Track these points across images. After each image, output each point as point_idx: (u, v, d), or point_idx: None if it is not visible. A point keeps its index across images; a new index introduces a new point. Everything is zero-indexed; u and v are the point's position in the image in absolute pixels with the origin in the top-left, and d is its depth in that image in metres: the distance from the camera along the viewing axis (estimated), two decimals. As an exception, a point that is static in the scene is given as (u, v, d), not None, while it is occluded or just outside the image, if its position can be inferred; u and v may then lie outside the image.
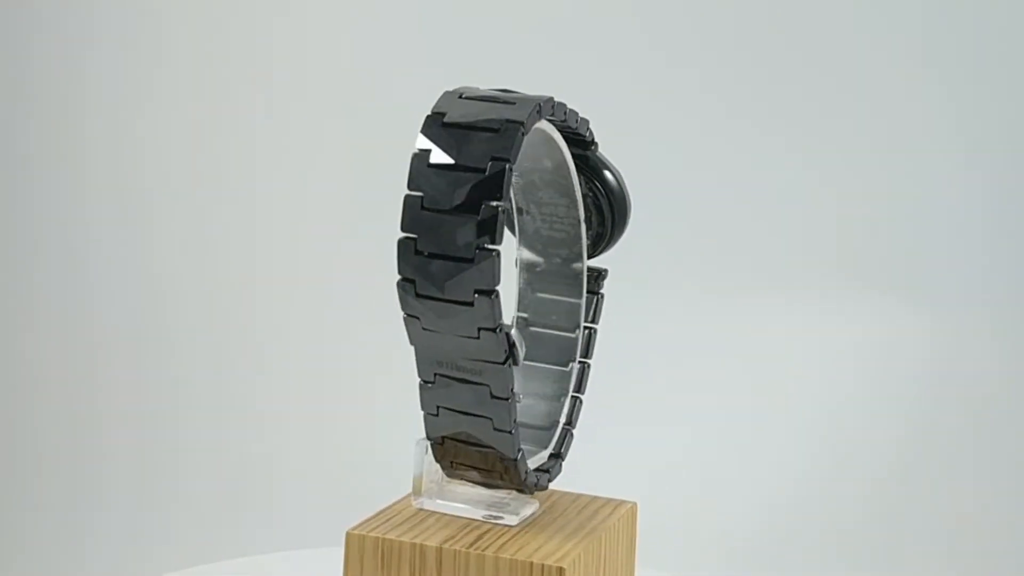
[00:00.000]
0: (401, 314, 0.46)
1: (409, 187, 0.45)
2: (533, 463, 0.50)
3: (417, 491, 0.51)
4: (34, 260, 1.11)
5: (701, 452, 1.02)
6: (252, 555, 0.82)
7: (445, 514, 0.50)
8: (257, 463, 1.07)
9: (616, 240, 0.54)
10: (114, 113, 1.10)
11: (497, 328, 0.44)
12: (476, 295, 0.44)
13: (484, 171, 0.44)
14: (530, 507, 0.51)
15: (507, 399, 0.46)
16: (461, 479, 0.50)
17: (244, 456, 1.07)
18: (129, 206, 1.10)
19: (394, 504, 0.52)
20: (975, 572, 0.99)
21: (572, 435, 0.53)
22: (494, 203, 0.44)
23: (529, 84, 0.52)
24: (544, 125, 0.48)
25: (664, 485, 0.97)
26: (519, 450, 0.48)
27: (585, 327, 0.53)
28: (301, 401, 1.07)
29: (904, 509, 1.00)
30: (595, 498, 0.54)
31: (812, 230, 1.03)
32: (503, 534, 0.49)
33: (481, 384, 0.46)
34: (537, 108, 0.46)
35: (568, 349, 0.53)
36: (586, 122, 0.51)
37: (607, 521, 0.52)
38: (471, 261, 0.44)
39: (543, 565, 0.47)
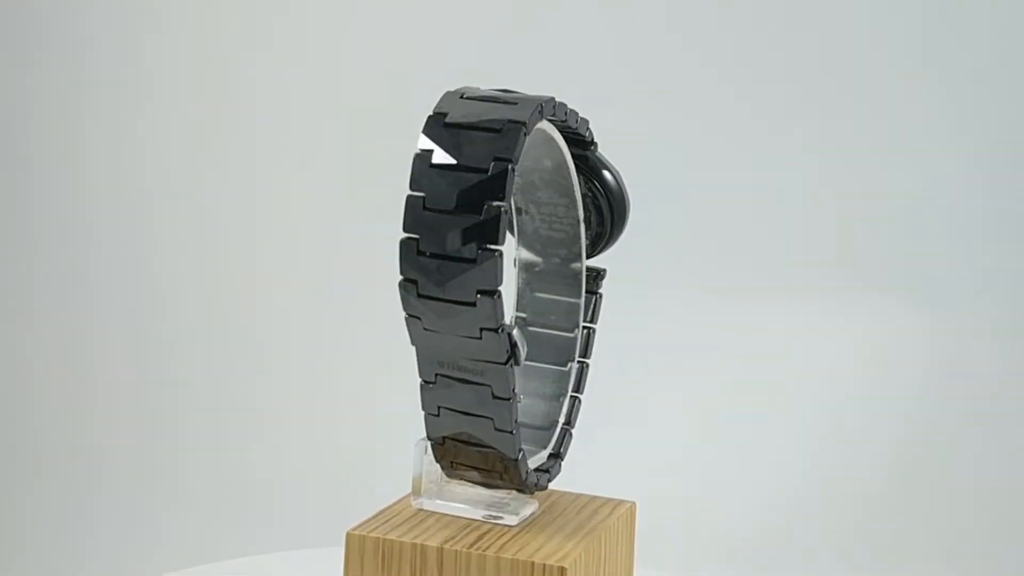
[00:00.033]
0: (402, 314, 0.46)
1: (411, 187, 0.45)
2: (532, 463, 0.50)
3: (417, 491, 0.51)
4: (34, 260, 1.11)
5: (701, 452, 1.02)
6: (252, 555, 0.82)
7: (445, 514, 0.50)
8: (257, 463, 1.07)
9: (615, 240, 0.54)
10: (114, 113, 1.10)
11: (499, 328, 0.44)
12: (478, 295, 0.44)
13: (486, 171, 0.44)
14: (530, 507, 0.51)
15: (508, 399, 0.46)
16: (461, 479, 0.50)
17: (244, 456, 1.07)
18: (129, 206, 1.10)
19: (394, 504, 0.52)
20: (975, 572, 0.99)
21: (571, 435, 0.53)
22: (496, 203, 0.44)
23: (529, 84, 0.52)
24: (545, 125, 0.48)
25: (664, 485, 0.97)
26: (520, 450, 0.48)
27: (584, 327, 0.53)
28: (301, 401, 1.07)
29: (904, 509, 1.00)
30: (594, 498, 0.54)
31: (812, 230, 1.03)
32: (503, 534, 0.49)
33: (482, 384, 0.46)
34: (539, 108, 0.46)
35: (567, 349, 0.53)
36: (586, 122, 0.51)
37: (607, 521, 0.52)
38: (473, 261, 0.44)
39: (544, 565, 0.47)
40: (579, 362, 0.53)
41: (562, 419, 0.52)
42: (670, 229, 1.02)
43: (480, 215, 0.44)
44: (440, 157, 0.44)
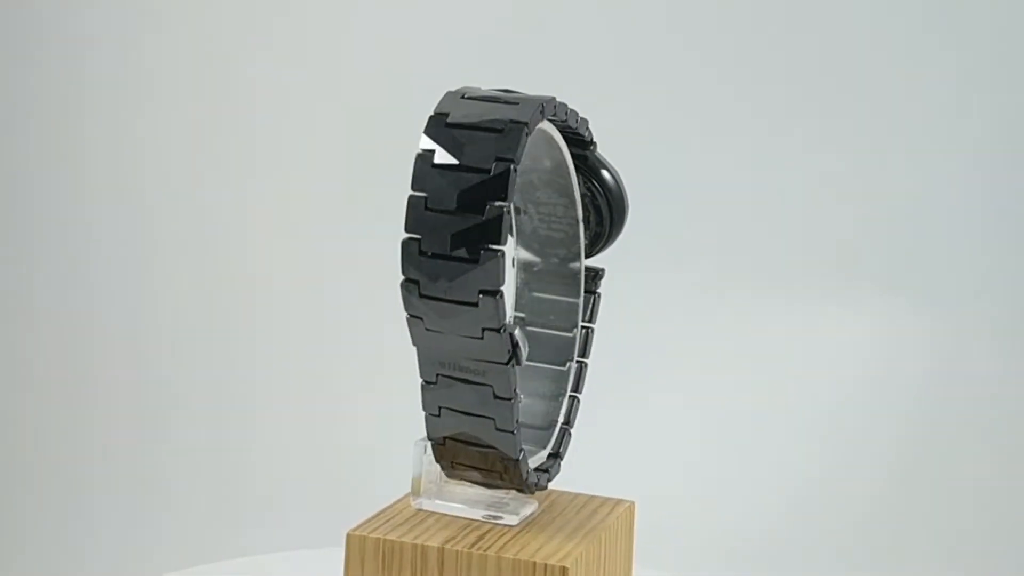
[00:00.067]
0: (402, 314, 0.46)
1: (413, 187, 0.45)
2: (532, 463, 0.50)
3: (416, 491, 0.51)
4: (34, 260, 1.11)
5: (701, 452, 1.02)
6: (252, 555, 0.82)
7: (444, 514, 0.50)
8: (257, 463, 1.07)
9: (614, 240, 0.54)
10: (114, 113, 1.09)
11: (501, 328, 0.44)
12: (481, 295, 0.44)
13: (489, 172, 0.44)
14: (529, 507, 0.51)
15: (510, 399, 0.46)
16: (461, 479, 0.50)
17: (244, 456, 1.07)
18: (129, 206, 1.10)
19: (393, 504, 0.52)
20: (975, 572, 0.99)
21: (570, 434, 0.53)
22: (499, 204, 0.44)
23: (529, 84, 0.52)
24: (545, 125, 0.48)
25: (664, 485, 0.97)
26: (521, 450, 0.48)
27: (583, 326, 0.53)
28: (301, 401, 1.07)
29: (904, 509, 1.00)
30: (592, 497, 0.54)
31: (812, 230, 1.03)
32: (504, 534, 0.49)
33: (484, 384, 0.46)
34: (540, 108, 0.46)
35: (565, 348, 0.53)
36: (585, 122, 0.51)
37: (606, 520, 0.52)
38: (476, 261, 0.44)
39: (546, 565, 0.47)
40: (578, 362, 0.53)
41: (561, 419, 0.53)
42: (670, 229, 1.02)
43: (482, 215, 0.44)
44: (442, 157, 0.45)
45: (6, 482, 1.09)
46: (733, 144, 1.03)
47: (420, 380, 0.47)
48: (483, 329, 0.44)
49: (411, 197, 0.44)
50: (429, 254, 0.44)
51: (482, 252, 0.44)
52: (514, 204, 0.52)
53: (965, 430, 1.01)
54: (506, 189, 0.44)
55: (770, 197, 1.03)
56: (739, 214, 1.03)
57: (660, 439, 1.01)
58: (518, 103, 0.46)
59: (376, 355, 1.03)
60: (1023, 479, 1.01)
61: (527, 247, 0.53)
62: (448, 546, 0.48)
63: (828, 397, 1.02)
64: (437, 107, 0.46)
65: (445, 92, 0.47)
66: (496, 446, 0.47)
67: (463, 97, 0.46)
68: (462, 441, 0.48)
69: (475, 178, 0.44)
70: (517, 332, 0.45)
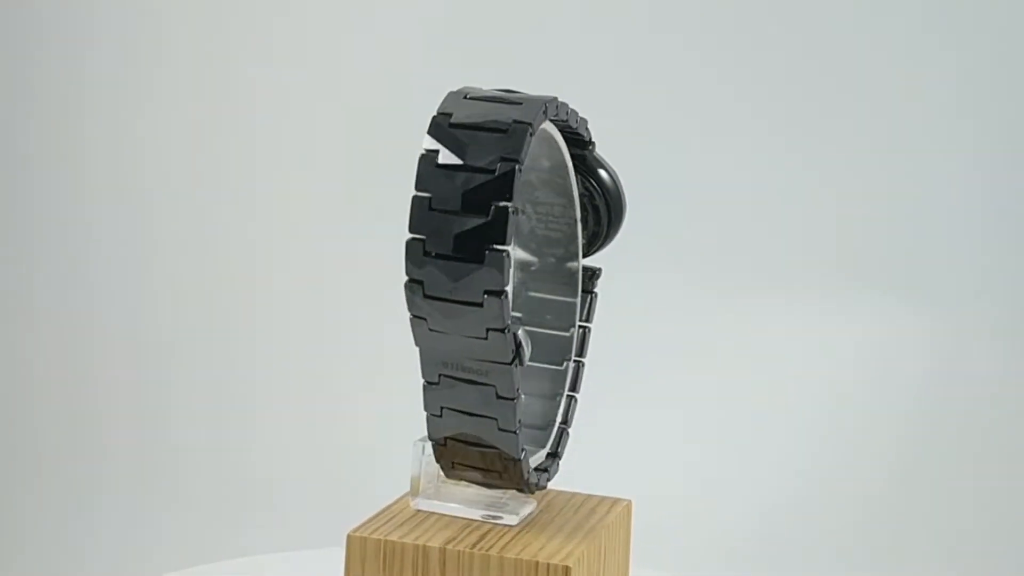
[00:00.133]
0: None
1: (417, 188, 0.45)
2: (531, 463, 0.50)
3: (415, 492, 0.51)
4: (34, 260, 1.11)
5: (701, 452, 1.02)
6: (252, 555, 0.82)
7: (444, 515, 0.50)
8: (257, 463, 1.07)
9: (611, 239, 0.54)
10: (114, 113, 1.09)
11: (505, 328, 0.44)
12: (486, 296, 0.44)
13: (493, 172, 0.44)
14: (528, 506, 0.51)
15: (513, 399, 0.46)
16: (460, 479, 0.50)
17: (244, 456, 1.07)
18: (129, 206, 1.10)
19: (392, 505, 0.52)
20: (975, 572, 0.99)
21: (568, 434, 0.53)
22: (503, 204, 0.44)
23: (528, 83, 0.52)
24: (546, 125, 0.48)
25: (664, 484, 0.97)
26: (523, 450, 0.48)
27: (580, 326, 0.54)
28: (301, 401, 1.07)
29: (904, 509, 1.00)
30: (589, 496, 0.54)
31: (812, 230, 1.03)
32: (504, 534, 0.49)
33: (487, 384, 0.46)
34: (543, 109, 0.46)
35: (563, 348, 0.53)
36: (585, 122, 0.51)
37: (605, 519, 0.52)
38: (481, 262, 0.44)
39: (549, 564, 0.47)
40: (575, 361, 0.53)
41: (559, 418, 0.53)
42: (670, 229, 1.02)
43: (487, 215, 0.44)
44: (446, 157, 0.44)
45: (6, 482, 1.09)
46: (733, 144, 1.03)
47: (422, 380, 0.47)
48: (487, 329, 0.44)
49: (415, 197, 0.44)
50: (433, 254, 0.44)
51: (487, 252, 0.44)
52: (514, 204, 0.52)
53: (965, 430, 1.01)
54: (511, 189, 0.44)
55: (770, 197, 1.03)
56: (739, 214, 1.03)
57: (660, 439, 1.01)
58: (521, 103, 0.46)
59: (376, 355, 1.03)
60: (1023, 479, 1.01)
61: (524, 247, 0.53)
62: (450, 546, 0.48)
63: (828, 397, 1.02)
64: (440, 107, 0.46)
65: (447, 92, 0.47)
66: (498, 446, 0.47)
67: (466, 97, 0.46)
68: (463, 441, 0.48)
69: (480, 178, 0.44)
70: (520, 332, 0.45)
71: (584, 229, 0.53)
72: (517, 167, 0.44)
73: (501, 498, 0.50)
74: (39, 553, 1.06)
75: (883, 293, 1.03)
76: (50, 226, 1.10)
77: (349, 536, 0.49)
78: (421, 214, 0.44)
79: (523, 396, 0.48)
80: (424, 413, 0.48)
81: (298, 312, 1.08)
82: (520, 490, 0.50)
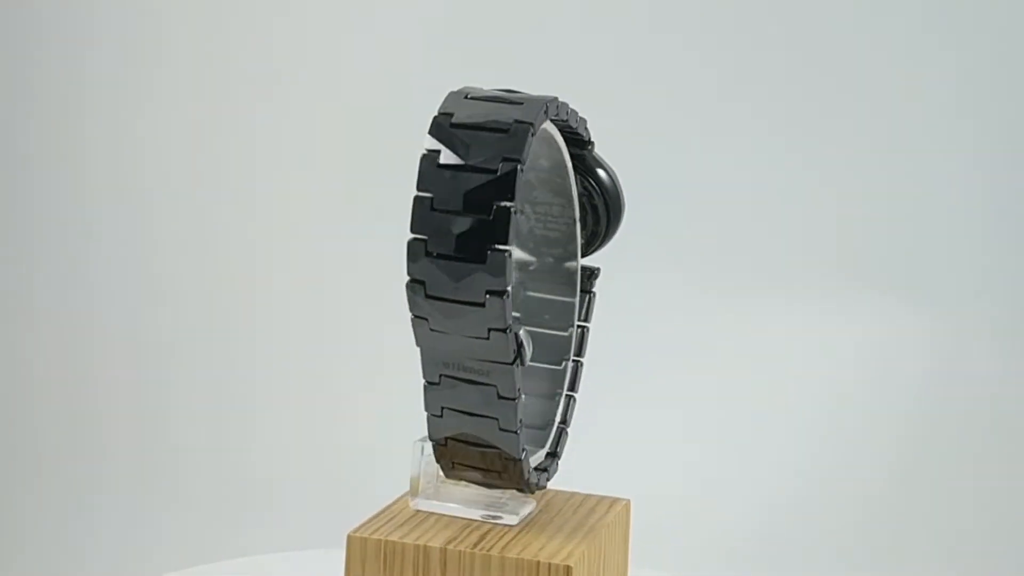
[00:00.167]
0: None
1: (418, 188, 0.45)
2: (531, 462, 0.50)
3: (414, 492, 0.51)
4: (34, 260, 1.10)
5: (701, 451, 1.02)
6: (252, 555, 0.82)
7: (443, 515, 0.50)
8: (257, 463, 1.07)
9: (610, 239, 0.54)
10: (114, 113, 1.09)
11: (507, 328, 0.44)
12: (487, 296, 0.44)
13: (495, 172, 0.44)
14: (528, 506, 0.51)
15: (514, 399, 0.46)
16: (460, 479, 0.50)
17: (244, 456, 1.07)
18: (129, 206, 1.10)
19: (391, 505, 0.52)
20: (975, 572, 0.99)
21: (567, 433, 0.53)
22: (505, 203, 0.44)
23: (528, 83, 0.52)
24: (546, 125, 0.48)
25: (663, 484, 0.97)
26: (523, 450, 0.48)
27: (578, 326, 0.54)
28: (301, 401, 1.07)
29: (904, 509, 1.00)
30: (588, 496, 0.55)
31: (812, 230, 1.03)
32: (505, 534, 0.49)
33: (488, 384, 0.46)
34: (544, 108, 0.46)
35: (561, 348, 0.53)
36: (584, 122, 0.51)
37: (605, 518, 0.52)
38: (483, 262, 0.44)
39: (550, 564, 0.47)
40: (573, 361, 0.53)
41: (558, 418, 0.53)
42: (670, 229, 1.02)
43: (489, 215, 0.44)
44: (448, 157, 0.45)
45: (6, 482, 1.09)
46: (733, 144, 1.03)
47: (423, 381, 0.47)
48: (489, 329, 0.44)
49: (416, 198, 0.44)
50: (435, 255, 0.44)
51: (489, 252, 0.44)
52: (514, 204, 0.52)
53: (965, 430, 1.01)
54: (513, 189, 0.44)
55: (770, 197, 1.03)
56: (739, 214, 1.03)
57: (660, 438, 1.01)
58: (522, 103, 0.46)
59: (376, 355, 1.03)
60: (1023, 479, 1.01)
61: (523, 246, 0.53)
62: (450, 546, 0.48)
63: (828, 397, 1.02)
64: (441, 107, 0.46)
65: (448, 92, 0.47)
66: (499, 446, 0.47)
67: (466, 97, 0.46)
68: (464, 441, 0.48)
69: (482, 178, 0.44)
70: (522, 332, 0.45)
71: (583, 229, 0.53)
72: (519, 167, 0.44)
73: (500, 498, 0.50)
74: (39, 553, 1.06)
75: (883, 293, 1.03)
76: (50, 226, 1.10)
77: (349, 537, 0.49)
78: (423, 214, 0.44)
79: (523, 396, 0.48)
80: (424, 413, 0.48)
81: (298, 312, 1.08)
82: (520, 490, 0.50)
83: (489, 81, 0.52)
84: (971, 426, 1.01)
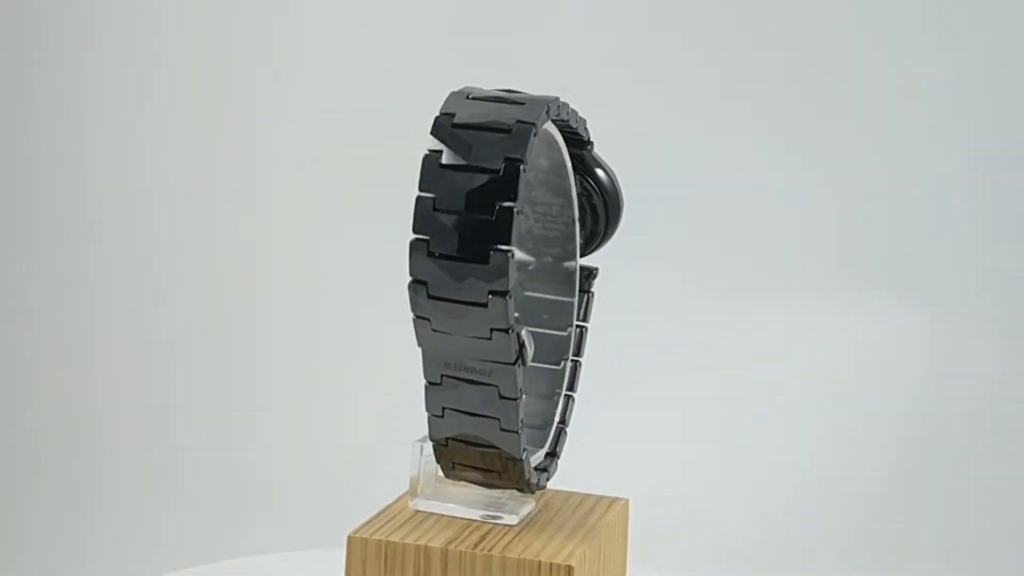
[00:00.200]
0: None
1: (421, 188, 0.45)
2: (531, 462, 0.50)
3: (414, 492, 0.51)
4: (34, 260, 1.10)
5: (701, 451, 1.02)
6: (252, 555, 0.82)
7: (443, 515, 0.50)
8: (257, 463, 1.07)
9: (609, 239, 0.54)
10: (114, 113, 1.09)
11: (509, 328, 0.44)
12: (490, 296, 0.44)
13: (498, 172, 0.44)
14: (527, 506, 0.51)
15: (516, 399, 0.46)
16: (459, 479, 0.50)
17: (244, 456, 1.07)
18: (129, 206, 1.10)
19: (391, 505, 0.52)
20: (975, 572, 0.99)
21: (566, 433, 0.53)
22: (508, 204, 0.44)
23: (528, 83, 0.52)
24: (547, 125, 0.48)
25: (663, 484, 0.97)
26: (524, 449, 0.48)
27: (577, 325, 0.54)
28: (301, 401, 1.07)
29: (904, 509, 1.00)
30: (587, 495, 0.55)
31: (812, 230, 1.03)
32: (505, 534, 0.49)
33: (490, 385, 0.46)
34: (546, 109, 0.46)
35: (560, 347, 0.53)
36: (584, 122, 0.51)
37: (604, 518, 0.52)
38: (485, 262, 0.44)
39: (552, 564, 0.47)
40: (572, 360, 0.53)
41: (557, 418, 0.53)
42: (670, 228, 1.02)
43: (492, 216, 0.44)
44: (450, 158, 0.44)
45: (6, 482, 1.09)
46: (733, 144, 1.03)
47: (423, 381, 0.47)
48: (491, 329, 0.44)
49: (419, 198, 0.44)
50: (437, 255, 0.44)
51: (491, 253, 0.44)
52: (514, 204, 0.52)
53: (965, 430, 1.01)
54: (515, 189, 0.44)
55: (770, 197, 1.03)
56: (739, 214, 1.03)
57: (660, 438, 1.01)
58: (524, 103, 0.46)
59: (376, 355, 1.03)
60: (1023, 479, 1.01)
61: (522, 246, 0.53)
62: (451, 547, 0.48)
63: (828, 397, 1.02)
64: (443, 107, 0.46)
65: (449, 92, 0.47)
66: (500, 446, 0.47)
67: (468, 97, 0.46)
68: (464, 442, 0.48)
69: (484, 178, 0.44)
70: (523, 332, 0.45)
71: (582, 229, 0.53)
72: (522, 167, 0.44)
73: (500, 498, 0.50)
74: (39, 553, 1.06)
75: (883, 293, 1.03)
76: (50, 226, 1.10)
77: (350, 537, 0.49)
78: (425, 214, 0.44)
79: (524, 396, 0.48)
80: (424, 413, 0.48)
81: (298, 312, 1.08)
82: (520, 490, 0.50)
83: (489, 81, 0.52)
84: (971, 426, 1.01)
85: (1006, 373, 1.01)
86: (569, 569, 0.46)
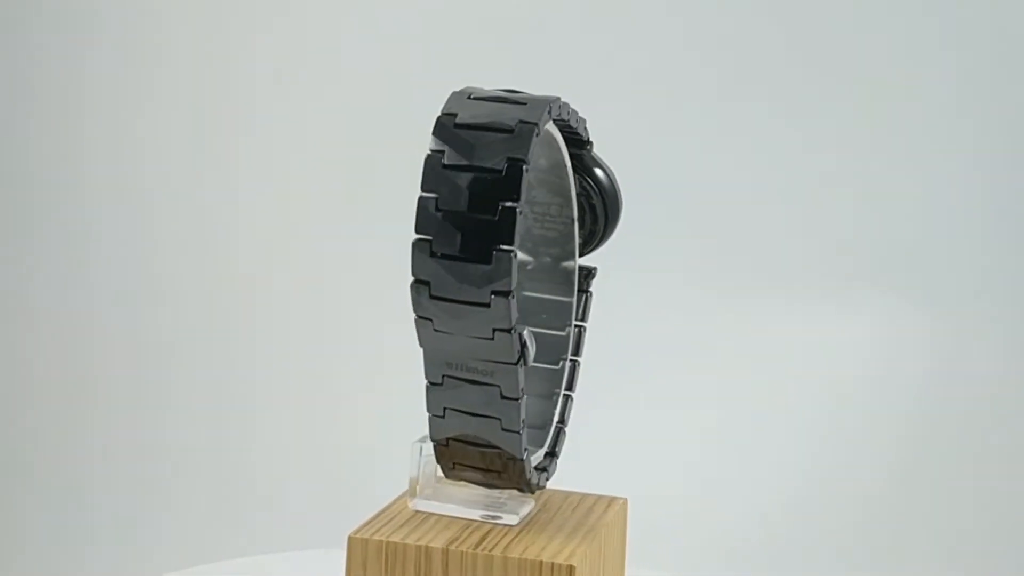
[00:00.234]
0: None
1: (423, 188, 0.44)
2: (531, 462, 0.50)
3: (413, 492, 0.51)
4: (34, 260, 1.10)
5: (701, 451, 1.02)
6: (252, 555, 0.82)
7: (443, 515, 0.50)
8: (257, 463, 1.07)
9: (607, 238, 0.54)
10: (114, 113, 1.09)
11: (512, 329, 0.44)
12: (492, 296, 0.44)
13: (501, 172, 0.44)
14: (527, 506, 0.51)
15: (517, 399, 0.46)
16: (460, 479, 0.50)
17: (244, 456, 1.07)
18: (129, 206, 1.10)
19: (390, 505, 0.52)
20: (975, 572, 0.99)
21: (565, 433, 0.53)
22: (510, 204, 0.44)
23: (528, 83, 0.52)
24: (548, 125, 0.48)
25: (663, 484, 0.97)
26: (525, 449, 0.48)
27: (576, 325, 0.54)
28: (301, 401, 1.07)
29: (904, 509, 1.00)
30: (585, 495, 0.55)
31: (812, 230, 1.03)
32: (506, 534, 0.49)
33: (491, 385, 0.46)
34: (548, 109, 0.46)
35: (559, 347, 0.53)
36: (584, 122, 0.51)
37: (604, 517, 0.52)
38: (488, 262, 0.44)
39: (553, 564, 0.47)
40: (571, 360, 0.53)
41: (556, 418, 0.53)
42: (670, 228, 1.02)
43: (494, 216, 0.44)
44: (452, 158, 0.44)
45: (6, 482, 1.09)
46: (733, 144, 1.03)
47: (424, 381, 0.47)
48: (494, 330, 0.44)
49: (421, 198, 0.44)
50: (440, 255, 0.44)
51: (494, 253, 0.44)
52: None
53: (965, 430, 1.01)
54: (518, 190, 0.44)
55: (770, 197, 1.03)
56: (739, 214, 1.03)
57: (660, 438, 1.01)
58: (526, 103, 0.46)
59: (376, 355, 1.03)
60: (1023, 479, 1.01)
61: (521, 246, 0.53)
62: (452, 547, 0.48)
63: (828, 397, 1.02)
64: (444, 108, 0.46)
65: (451, 92, 0.47)
66: (501, 446, 0.47)
67: (469, 97, 0.46)
68: (465, 442, 0.48)
69: (487, 178, 0.44)
70: (525, 332, 0.45)
71: (580, 228, 0.53)
72: (524, 167, 0.44)
73: (500, 498, 0.50)
74: (39, 553, 1.06)
75: (883, 293, 1.03)
76: (50, 226, 1.10)
77: (350, 538, 0.49)
78: (427, 215, 0.44)
79: (525, 396, 0.48)
80: (424, 413, 0.48)
81: (298, 312, 1.08)
82: (520, 490, 0.50)
83: (490, 81, 0.52)
84: (971, 426, 1.01)
85: (1006, 373, 1.01)
86: (571, 569, 0.46)
